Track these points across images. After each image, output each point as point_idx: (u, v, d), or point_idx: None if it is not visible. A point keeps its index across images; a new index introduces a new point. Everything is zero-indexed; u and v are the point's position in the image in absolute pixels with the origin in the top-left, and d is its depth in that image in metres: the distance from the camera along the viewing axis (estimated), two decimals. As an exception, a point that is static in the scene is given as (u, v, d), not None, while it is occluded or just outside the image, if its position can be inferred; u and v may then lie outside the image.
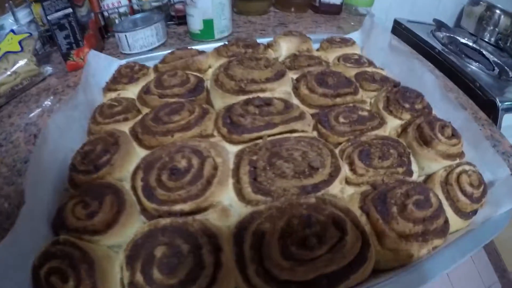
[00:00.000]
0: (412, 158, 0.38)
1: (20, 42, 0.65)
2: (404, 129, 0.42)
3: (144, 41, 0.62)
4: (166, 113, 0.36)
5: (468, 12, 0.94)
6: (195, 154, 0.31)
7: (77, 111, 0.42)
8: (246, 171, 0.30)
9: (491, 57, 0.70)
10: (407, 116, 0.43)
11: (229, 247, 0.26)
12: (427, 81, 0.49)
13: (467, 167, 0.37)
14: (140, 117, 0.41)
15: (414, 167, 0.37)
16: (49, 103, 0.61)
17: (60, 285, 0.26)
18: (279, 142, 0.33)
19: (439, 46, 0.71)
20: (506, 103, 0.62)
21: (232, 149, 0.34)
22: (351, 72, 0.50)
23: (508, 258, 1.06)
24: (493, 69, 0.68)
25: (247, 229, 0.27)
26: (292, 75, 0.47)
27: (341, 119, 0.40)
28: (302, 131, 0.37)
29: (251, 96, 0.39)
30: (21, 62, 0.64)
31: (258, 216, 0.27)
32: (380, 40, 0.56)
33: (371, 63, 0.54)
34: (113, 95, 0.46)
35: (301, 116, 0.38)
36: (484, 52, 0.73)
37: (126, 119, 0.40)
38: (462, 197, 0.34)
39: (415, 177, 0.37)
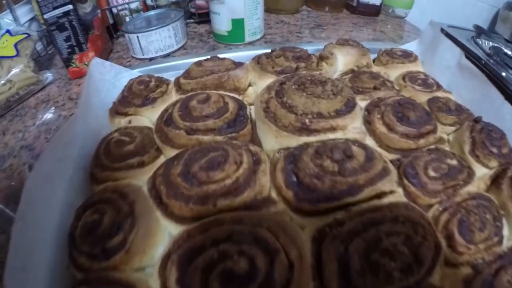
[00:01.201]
0: (504, 221, 0.27)
1: (15, 45, 0.50)
2: (493, 181, 0.30)
3: (159, 44, 0.47)
4: (203, 167, 0.22)
5: (504, 17, 0.79)
6: (258, 248, 0.17)
7: (76, 148, 0.27)
8: (333, 271, 0.17)
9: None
10: (494, 164, 0.31)
11: None
12: (506, 113, 0.36)
13: None
14: (160, 160, 0.26)
15: (506, 231, 0.27)
16: (50, 115, 0.46)
17: None
18: (371, 219, 0.20)
19: (484, 57, 0.56)
20: None
21: (303, 223, 0.21)
22: (421, 97, 0.38)
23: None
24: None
25: None
26: (358, 101, 0.32)
27: (431, 173, 0.29)
28: (391, 191, 0.23)
29: (317, 137, 0.25)
30: (16, 69, 0.48)
31: None
32: (447, 57, 0.42)
33: (439, 86, 0.40)
34: (122, 121, 0.32)
35: (386, 170, 0.26)
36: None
37: (141, 164, 0.27)
38: None
39: (505, 244, 0.26)
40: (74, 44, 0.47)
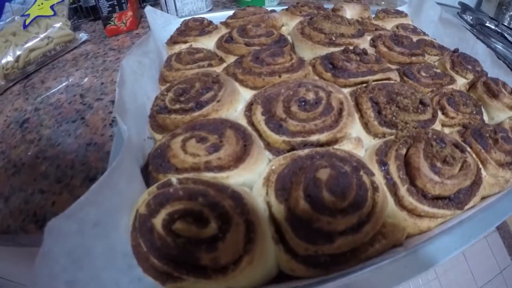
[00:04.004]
0: (482, 109, 0.43)
1: (52, 7, 0.61)
2: (471, 86, 0.47)
3: (193, 6, 0.62)
4: (268, 55, 0.36)
5: None
6: (318, 88, 0.31)
7: (148, 58, 0.41)
8: (369, 106, 0.32)
9: (513, 40, 0.78)
10: (470, 76, 0.49)
11: (376, 172, 0.27)
12: (478, 49, 0.55)
13: None
14: (225, 64, 0.40)
15: (485, 117, 0.43)
16: (91, 67, 0.58)
17: (194, 231, 0.21)
18: (388, 85, 0.35)
19: (467, 27, 0.78)
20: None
21: None
22: (412, 39, 0.53)
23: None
24: (516, 51, 0.76)
25: (387, 155, 0.28)
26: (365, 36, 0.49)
27: (423, 73, 0.44)
28: (395, 80, 0.39)
29: (340, 49, 0.41)
30: (55, 26, 0.60)
31: (393, 144, 0.29)
32: (431, 14, 0.61)
33: (425, 33, 0.58)
34: (183, 46, 0.45)
35: (390, 68, 0.40)
36: (506, 35, 0.80)
37: (210, 65, 0.40)
38: None
39: None
40: (115, 3, 0.60)
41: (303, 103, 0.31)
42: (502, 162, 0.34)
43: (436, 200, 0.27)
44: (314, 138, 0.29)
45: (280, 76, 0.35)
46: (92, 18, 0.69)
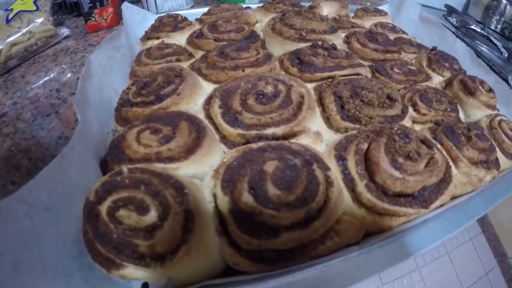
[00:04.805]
0: (459, 107, 0.42)
1: (35, 2, 0.60)
2: (448, 83, 0.47)
3: (173, 3, 0.61)
4: (233, 50, 0.35)
5: (475, 0, 1.00)
6: (279, 82, 0.30)
7: (119, 53, 0.40)
8: (331, 100, 0.30)
9: (498, 43, 0.76)
10: (447, 74, 0.48)
11: (332, 167, 0.25)
12: (458, 48, 0.54)
13: (504, 117, 0.43)
14: (193, 59, 0.39)
15: (461, 115, 0.42)
16: (70, 62, 0.57)
17: (134, 219, 0.21)
18: (354, 80, 0.34)
19: (452, 29, 0.76)
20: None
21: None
22: (390, 36, 0.52)
23: (507, 243, 1.13)
24: (502, 53, 0.74)
25: (346, 149, 0.26)
26: (339, 33, 0.47)
27: (396, 70, 0.43)
28: (366, 76, 0.38)
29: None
30: (37, 21, 0.59)
31: (354, 138, 0.27)
32: (411, 13, 0.60)
33: (404, 32, 0.57)
34: (155, 42, 0.44)
35: (361, 64, 0.39)
36: (492, 38, 0.79)
37: (178, 60, 0.39)
38: (506, 139, 0.39)
39: None
40: (96, -1, 0.60)
41: (260, 96, 0.29)
42: (475, 160, 0.33)
43: (398, 197, 0.26)
44: (269, 131, 0.28)
45: (243, 71, 0.34)
46: (76, 14, 0.68)
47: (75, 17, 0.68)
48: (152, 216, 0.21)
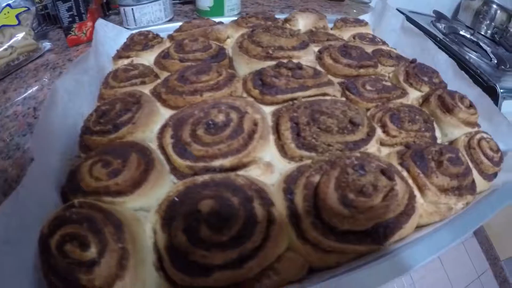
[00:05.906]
0: (435, 125, 0.39)
1: (17, 16, 0.60)
2: (425, 99, 0.44)
3: (151, 16, 0.60)
4: (193, 73, 0.34)
5: (465, 6, 0.97)
6: (232, 109, 0.28)
7: (87, 75, 0.39)
8: (287, 127, 0.29)
9: (488, 49, 0.73)
10: (426, 89, 0.45)
11: (279, 202, 0.24)
12: (440, 59, 0.51)
13: (484, 135, 0.40)
14: (159, 81, 0.37)
15: (438, 133, 0.39)
16: (48, 78, 0.56)
17: (77, 254, 0.22)
18: (316, 102, 0.32)
19: (440, 35, 0.73)
20: (504, 90, 0.64)
21: (266, 110, 0.32)
22: (367, 49, 0.51)
23: (499, 246, 1.10)
24: (491, 60, 0.71)
25: (296, 182, 0.25)
26: (313, 48, 0.45)
27: (368, 87, 0.41)
28: (334, 96, 0.36)
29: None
30: (19, 36, 0.59)
31: (306, 170, 0.25)
32: (393, 22, 0.58)
33: (384, 43, 0.55)
34: (125, 61, 0.42)
35: (330, 82, 0.37)
36: (481, 44, 0.75)
37: (143, 83, 0.38)
38: (485, 160, 0.36)
39: (439, 142, 0.38)
40: (75, 14, 0.58)
41: (211, 126, 0.28)
42: (445, 188, 0.30)
43: (347, 234, 0.24)
44: (217, 163, 0.26)
45: (201, 95, 0.33)
46: (59, 26, 0.67)
47: (58, 29, 0.67)
48: (92, 252, 0.22)
